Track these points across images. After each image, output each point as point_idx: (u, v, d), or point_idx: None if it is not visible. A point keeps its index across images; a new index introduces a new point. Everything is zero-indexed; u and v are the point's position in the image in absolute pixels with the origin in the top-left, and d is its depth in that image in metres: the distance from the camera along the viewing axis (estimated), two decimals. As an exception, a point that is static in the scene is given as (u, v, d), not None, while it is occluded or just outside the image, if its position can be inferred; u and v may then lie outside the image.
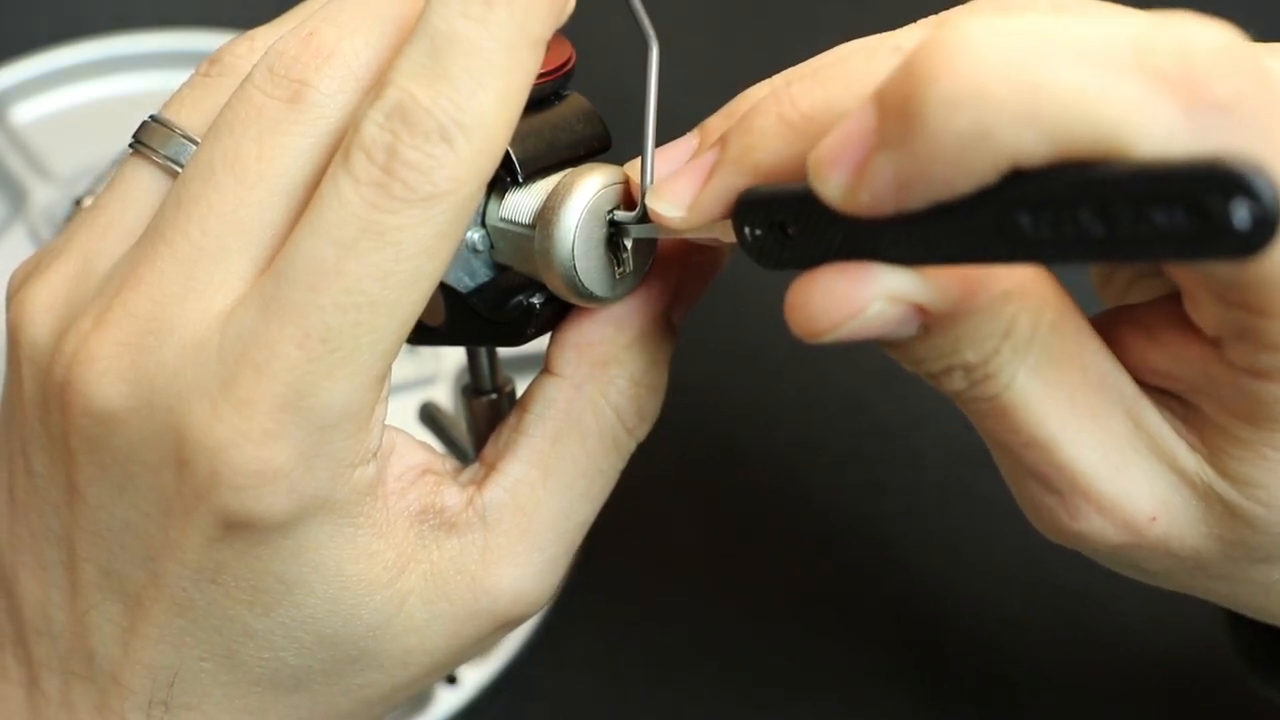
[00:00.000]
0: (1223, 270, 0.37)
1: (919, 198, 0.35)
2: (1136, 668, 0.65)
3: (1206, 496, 0.41)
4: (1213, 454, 0.40)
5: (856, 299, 0.37)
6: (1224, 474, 0.40)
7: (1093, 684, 0.65)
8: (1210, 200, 0.31)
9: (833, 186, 0.36)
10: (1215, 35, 0.34)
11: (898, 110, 0.35)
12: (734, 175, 0.41)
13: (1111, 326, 0.42)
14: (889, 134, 0.35)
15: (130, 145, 0.44)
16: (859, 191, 0.36)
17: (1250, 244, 0.31)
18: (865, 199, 0.36)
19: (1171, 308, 0.41)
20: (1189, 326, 0.40)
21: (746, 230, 0.40)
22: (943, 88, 0.34)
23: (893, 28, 0.42)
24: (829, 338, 0.38)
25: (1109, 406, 0.40)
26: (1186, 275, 0.39)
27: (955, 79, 0.34)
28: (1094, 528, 0.41)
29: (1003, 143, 0.33)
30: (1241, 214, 0.31)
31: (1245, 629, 0.53)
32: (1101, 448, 0.40)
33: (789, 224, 0.39)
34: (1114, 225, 0.32)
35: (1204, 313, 0.39)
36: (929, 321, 0.38)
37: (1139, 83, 0.33)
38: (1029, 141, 0.33)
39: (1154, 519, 0.41)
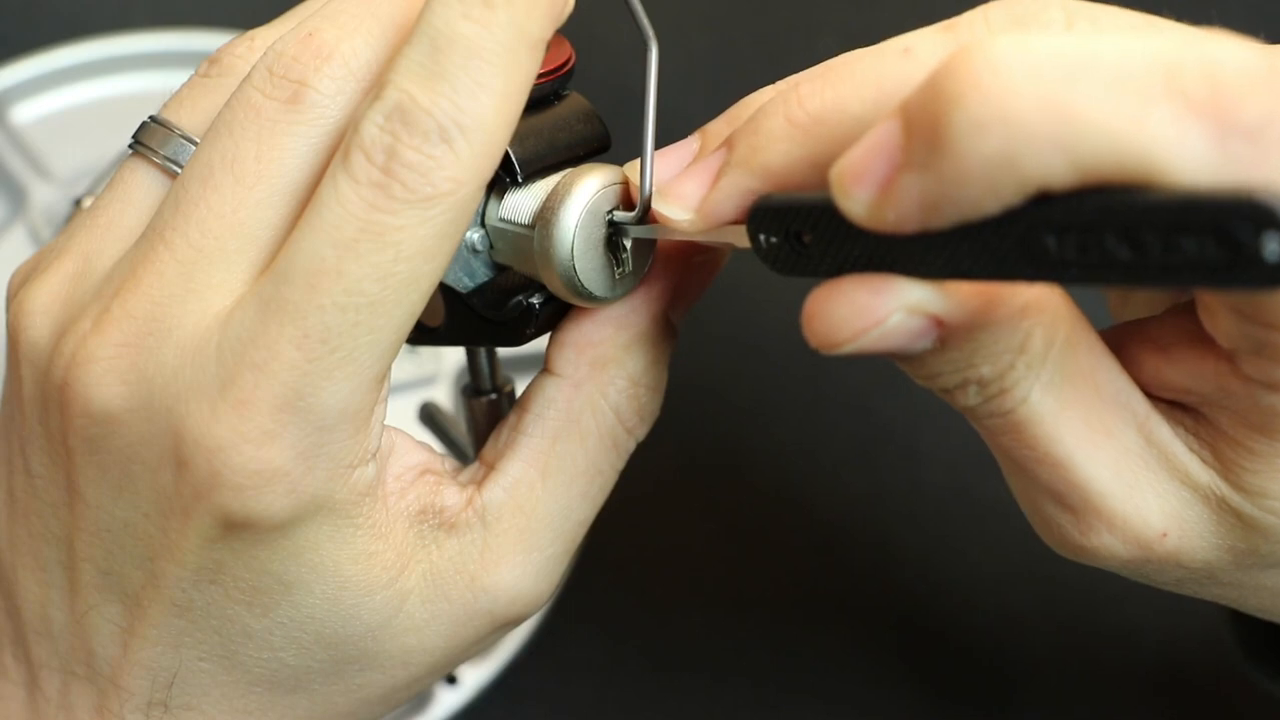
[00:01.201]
0: (1237, 294, 0.37)
1: (944, 217, 0.35)
2: (1138, 666, 0.65)
3: (1219, 509, 0.41)
4: (1226, 467, 0.40)
5: (878, 310, 0.37)
6: (1237, 486, 0.40)
7: (1094, 682, 0.65)
8: (1241, 232, 0.31)
9: (857, 203, 0.36)
10: (1244, 55, 0.33)
11: (925, 131, 0.34)
12: (742, 177, 0.41)
13: (1123, 342, 0.42)
14: (915, 155, 0.35)
15: (130, 146, 0.44)
16: (884, 210, 0.36)
17: None
18: (891, 217, 0.36)
19: (1184, 322, 0.41)
20: (1202, 340, 0.40)
21: (761, 237, 0.40)
22: (971, 111, 0.33)
23: (894, 28, 0.42)
24: (848, 349, 0.37)
25: (1122, 423, 0.40)
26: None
27: (983, 102, 0.33)
28: (1104, 544, 0.41)
29: (1030, 167, 0.33)
30: (1272, 247, 0.30)
31: (1247, 626, 0.53)
32: (1114, 465, 0.40)
33: (805, 233, 0.39)
34: (1141, 252, 0.32)
35: (1220, 326, 0.39)
36: (945, 334, 0.38)
37: (1169, 109, 0.33)
38: (1057, 167, 0.33)
39: (1165, 535, 0.41)
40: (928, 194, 0.35)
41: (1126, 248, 0.32)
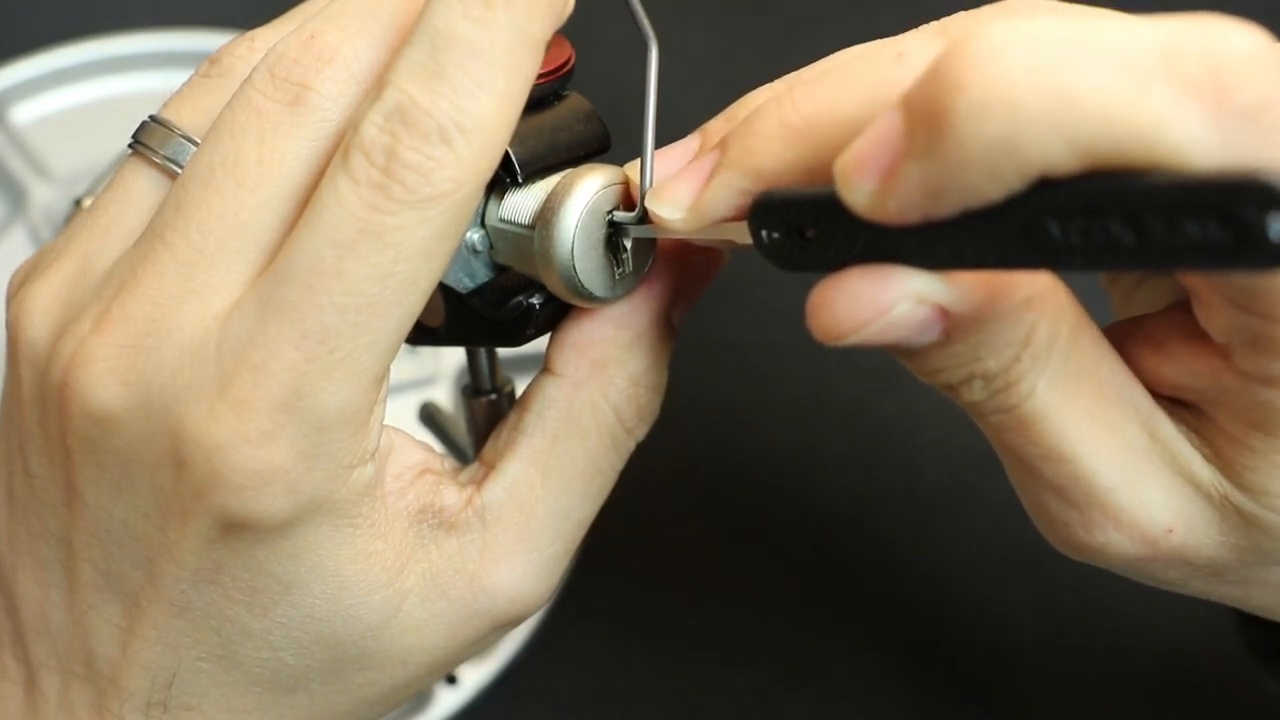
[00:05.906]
0: (1241, 276, 0.37)
1: (947, 205, 0.35)
2: (1141, 665, 0.65)
3: (1222, 506, 0.41)
4: (1226, 464, 0.40)
5: (882, 300, 0.37)
6: (1239, 484, 0.40)
7: (1096, 682, 0.65)
8: (1245, 213, 0.31)
9: (860, 194, 0.36)
10: (1243, 38, 0.33)
11: (926, 119, 0.34)
12: (735, 177, 0.41)
13: (1120, 339, 0.42)
14: (917, 143, 0.35)
15: (130, 145, 0.44)
16: (887, 199, 0.36)
17: None
18: (893, 207, 0.36)
19: (1180, 318, 0.41)
20: (1198, 337, 0.40)
21: (763, 233, 0.40)
22: (972, 97, 0.33)
23: (893, 28, 0.42)
24: (852, 340, 0.37)
25: (1125, 419, 0.40)
26: (1199, 280, 0.39)
27: (984, 87, 0.33)
28: (1110, 541, 0.41)
29: (1032, 151, 0.33)
30: (1277, 227, 0.30)
31: (1253, 627, 0.53)
32: (1118, 460, 0.40)
33: (808, 228, 0.39)
34: (1145, 235, 0.32)
35: (1215, 318, 0.39)
36: (950, 326, 0.38)
37: (1169, 92, 0.33)
38: (1058, 150, 0.33)
39: (1170, 531, 0.41)
40: (930, 181, 0.35)
41: (1130, 232, 0.32)
